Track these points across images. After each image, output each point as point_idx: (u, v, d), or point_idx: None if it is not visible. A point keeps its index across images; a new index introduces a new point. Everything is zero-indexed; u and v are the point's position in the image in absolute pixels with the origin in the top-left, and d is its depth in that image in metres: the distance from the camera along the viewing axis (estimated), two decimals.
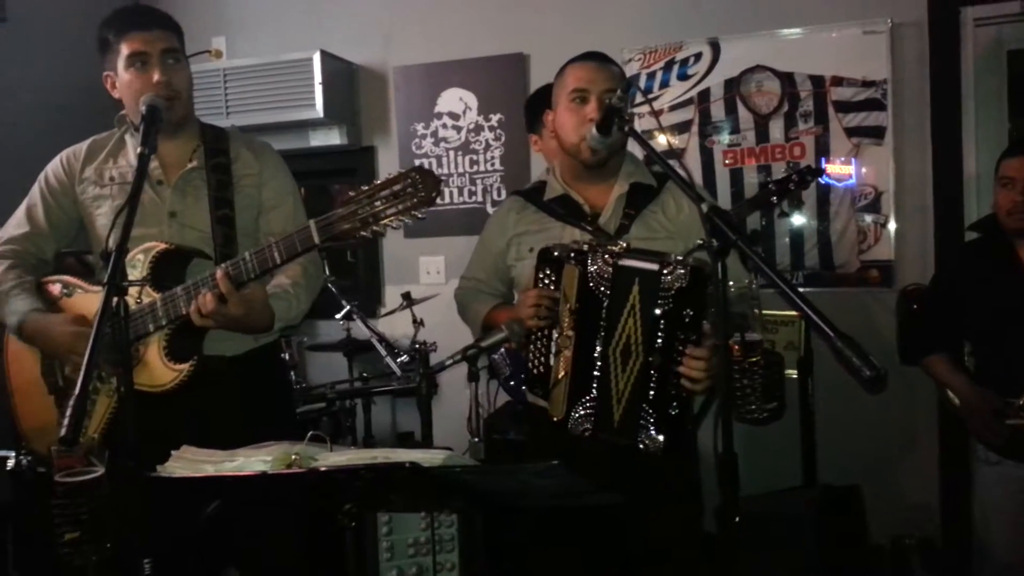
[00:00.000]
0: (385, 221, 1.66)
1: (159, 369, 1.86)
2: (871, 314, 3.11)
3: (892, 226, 3.14)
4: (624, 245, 1.80)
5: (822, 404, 2.94)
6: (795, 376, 2.90)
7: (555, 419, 1.84)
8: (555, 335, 1.83)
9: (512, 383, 2.91)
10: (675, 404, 1.72)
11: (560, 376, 1.82)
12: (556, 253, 1.84)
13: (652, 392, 1.73)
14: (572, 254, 1.80)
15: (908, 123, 3.11)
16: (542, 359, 1.86)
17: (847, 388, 2.95)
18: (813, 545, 2.56)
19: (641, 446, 1.75)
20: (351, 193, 1.67)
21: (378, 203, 1.65)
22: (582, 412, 1.81)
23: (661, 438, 1.73)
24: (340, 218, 1.67)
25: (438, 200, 3.66)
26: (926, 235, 3.11)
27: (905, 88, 3.10)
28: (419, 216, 1.65)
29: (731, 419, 1.47)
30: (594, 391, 1.79)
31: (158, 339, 1.87)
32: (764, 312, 2.57)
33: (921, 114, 3.09)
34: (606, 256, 1.76)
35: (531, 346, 1.87)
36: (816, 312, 1.32)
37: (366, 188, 1.67)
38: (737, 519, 1.50)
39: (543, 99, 2.78)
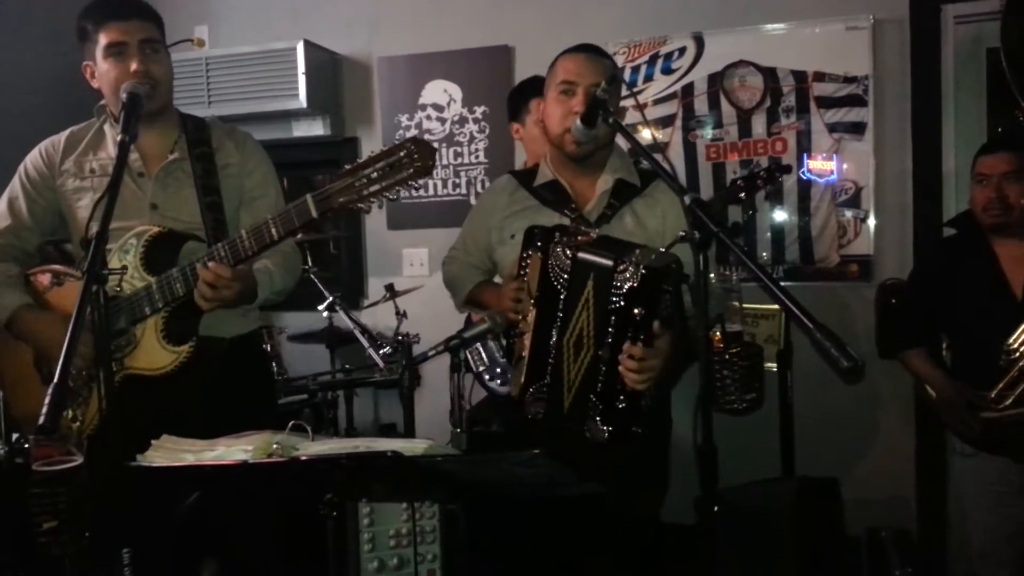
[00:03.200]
0: (381, 192, 1.65)
1: (157, 352, 1.86)
2: (850, 308, 3.14)
3: (872, 221, 3.17)
4: (594, 235, 1.81)
5: (801, 397, 2.97)
6: (775, 369, 2.93)
7: (512, 397, 1.88)
8: (522, 322, 1.87)
9: (487, 378, 2.92)
10: (622, 398, 1.73)
11: (522, 358, 1.86)
12: (538, 232, 1.85)
13: (600, 385, 1.75)
14: (538, 242, 1.82)
15: (889, 119, 3.14)
16: (514, 344, 1.90)
17: (826, 381, 3.00)
18: (790, 536, 2.58)
19: (588, 434, 1.77)
20: (346, 166, 1.67)
21: (374, 174, 1.64)
22: (536, 396, 1.85)
23: (606, 428, 1.75)
24: (337, 191, 1.67)
25: (420, 192, 3.66)
26: (905, 230, 3.15)
27: (886, 84, 3.13)
28: (415, 187, 1.65)
29: (711, 410, 1.48)
30: (548, 377, 1.83)
31: (155, 322, 1.87)
32: (745, 305, 2.61)
33: (902, 110, 3.13)
34: (567, 248, 1.78)
35: (512, 331, 1.91)
36: (795, 304, 1.34)
37: (362, 160, 1.66)
38: (716, 509, 1.52)
39: (527, 89, 2.80)
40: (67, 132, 2.06)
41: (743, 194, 2.88)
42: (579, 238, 1.80)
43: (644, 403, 1.75)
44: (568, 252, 1.77)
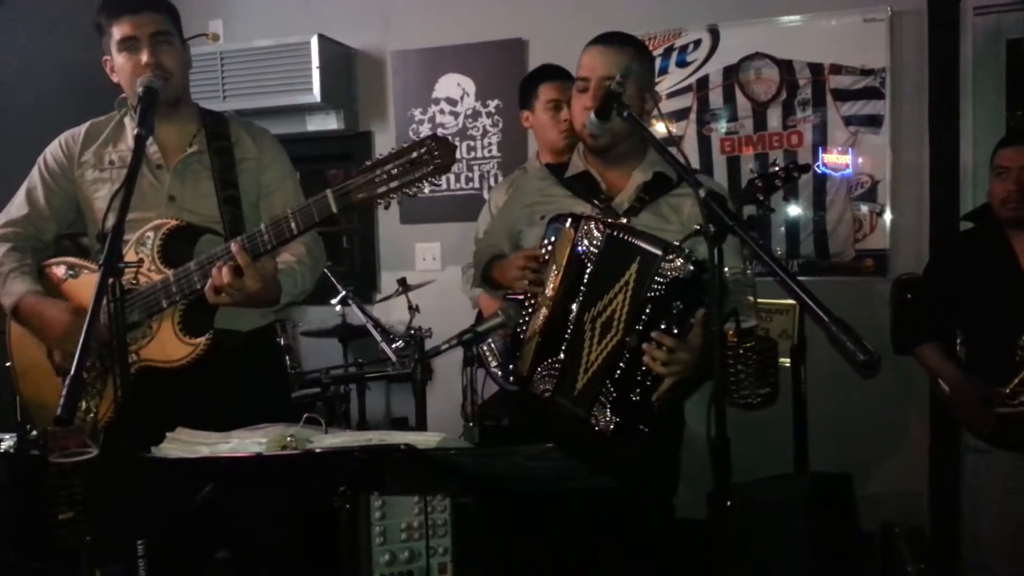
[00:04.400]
0: (401, 189, 1.66)
1: (173, 344, 1.87)
2: (865, 303, 3.12)
3: (888, 216, 3.14)
4: (625, 222, 1.80)
5: (814, 392, 2.95)
6: (788, 364, 2.92)
7: (521, 374, 1.87)
8: (537, 298, 1.86)
9: (500, 373, 2.92)
10: (638, 390, 1.72)
11: (532, 333, 1.84)
12: (562, 219, 1.85)
13: (619, 371, 1.73)
14: (571, 219, 1.82)
15: (906, 112, 3.11)
16: (527, 322, 1.88)
17: (840, 377, 2.98)
18: (803, 532, 2.57)
19: (592, 421, 1.76)
20: (367, 162, 1.68)
21: (395, 171, 1.65)
22: (546, 372, 1.83)
23: (614, 419, 1.73)
24: (357, 186, 1.68)
25: (433, 186, 3.65)
26: (921, 225, 3.12)
27: (903, 77, 3.10)
28: (436, 183, 1.65)
29: (724, 404, 1.48)
30: (562, 354, 1.81)
31: (172, 314, 1.88)
32: (759, 300, 2.59)
33: (919, 103, 3.09)
34: (600, 225, 1.77)
35: (523, 311, 1.90)
36: (811, 298, 1.33)
37: (382, 156, 1.67)
38: (728, 504, 1.51)
39: (536, 75, 2.82)
40: (87, 124, 2.08)
41: (760, 194, 2.85)
42: (611, 220, 1.79)
43: (655, 403, 1.74)
44: (600, 229, 1.77)
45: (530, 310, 1.88)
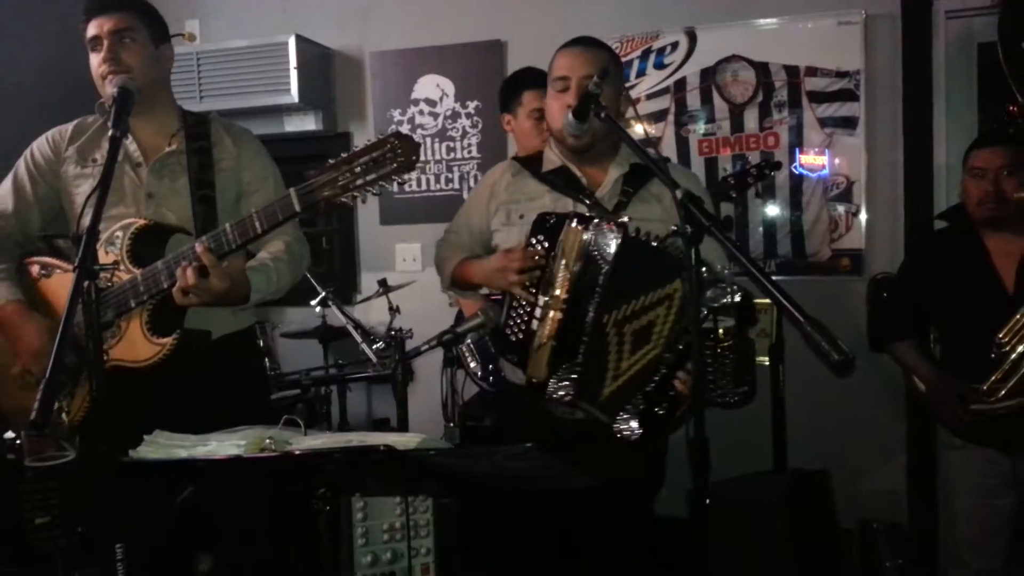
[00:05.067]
0: (365, 187, 1.66)
1: (142, 344, 1.86)
2: (842, 302, 3.15)
3: (863, 215, 3.18)
4: (626, 219, 1.80)
5: (793, 390, 2.98)
6: (767, 363, 2.94)
7: (533, 380, 1.83)
8: (541, 299, 1.83)
9: (479, 374, 2.92)
10: (665, 404, 1.73)
11: (546, 337, 1.81)
12: (552, 221, 1.84)
13: (652, 385, 1.74)
14: (577, 218, 1.81)
15: (880, 114, 3.15)
16: (523, 325, 1.85)
17: (817, 375, 2.97)
18: (782, 529, 2.60)
19: (615, 427, 1.76)
20: (330, 160, 1.68)
21: (358, 168, 1.65)
22: (565, 376, 1.81)
23: (639, 430, 1.74)
24: (320, 185, 1.68)
25: (414, 187, 3.65)
26: (896, 225, 3.16)
27: (878, 79, 3.14)
28: (401, 181, 1.66)
29: (703, 403, 1.49)
30: (580, 356, 1.79)
31: (140, 314, 1.87)
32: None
33: (893, 105, 3.13)
34: (614, 225, 1.76)
35: (511, 312, 1.87)
36: (786, 298, 1.34)
37: (345, 155, 1.68)
38: (708, 502, 1.52)
39: (518, 80, 2.79)
40: (75, 121, 2.09)
41: (734, 192, 2.88)
42: (622, 223, 1.78)
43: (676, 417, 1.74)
44: (613, 229, 1.75)
45: (529, 313, 1.84)
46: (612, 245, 1.76)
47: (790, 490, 2.71)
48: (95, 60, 1.94)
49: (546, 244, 1.84)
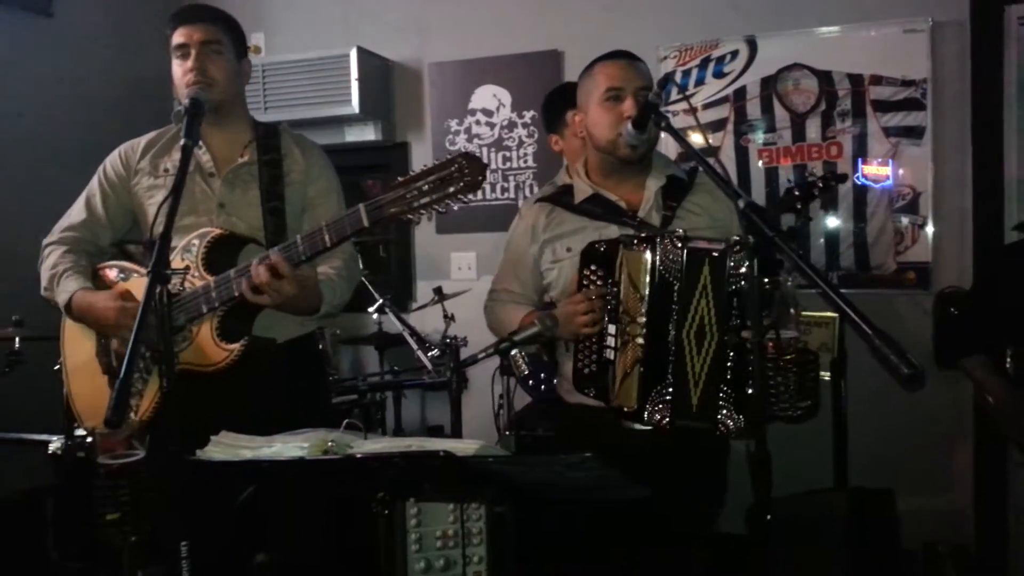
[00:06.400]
0: (431, 205, 1.68)
1: (211, 349, 1.92)
2: (907, 316, 3.07)
3: (930, 228, 3.10)
4: (682, 232, 1.79)
5: (855, 406, 2.91)
6: (828, 378, 2.88)
7: (626, 409, 1.81)
8: (612, 329, 1.81)
9: (531, 382, 2.92)
10: (751, 382, 1.68)
11: (631, 367, 1.80)
12: (603, 249, 1.83)
13: (729, 372, 1.73)
14: (635, 240, 1.80)
15: (948, 123, 3.07)
16: (594, 356, 1.85)
17: (880, 390, 2.93)
18: (844, 549, 2.53)
19: (721, 427, 1.74)
20: (399, 178, 1.70)
21: (425, 187, 1.67)
22: (658, 400, 1.79)
23: (741, 417, 1.72)
24: (389, 202, 1.71)
25: (470, 196, 3.66)
26: (964, 237, 3.07)
27: (945, 88, 3.06)
28: (465, 201, 1.67)
29: (764, 418, 1.46)
30: (670, 377, 1.78)
31: (210, 320, 1.93)
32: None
33: (961, 114, 3.05)
34: (673, 240, 1.77)
35: (579, 345, 1.86)
36: (854, 310, 1.31)
37: (414, 173, 1.70)
38: (768, 518, 1.50)
39: (562, 98, 2.73)
40: (148, 135, 2.16)
41: (799, 203, 2.82)
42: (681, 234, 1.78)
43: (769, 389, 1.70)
44: (677, 243, 1.76)
45: (599, 343, 1.83)
46: (679, 260, 1.75)
47: (852, 509, 2.63)
48: (179, 67, 2.00)
49: (600, 272, 1.83)
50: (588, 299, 1.82)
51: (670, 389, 1.78)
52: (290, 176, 2.10)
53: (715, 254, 1.73)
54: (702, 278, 1.74)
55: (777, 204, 2.95)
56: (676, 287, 1.76)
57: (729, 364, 1.72)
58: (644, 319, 1.78)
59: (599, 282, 1.83)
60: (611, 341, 1.82)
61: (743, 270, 1.68)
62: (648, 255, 1.78)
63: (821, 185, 2.81)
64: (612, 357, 1.82)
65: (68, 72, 3.59)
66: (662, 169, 2.00)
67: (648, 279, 1.78)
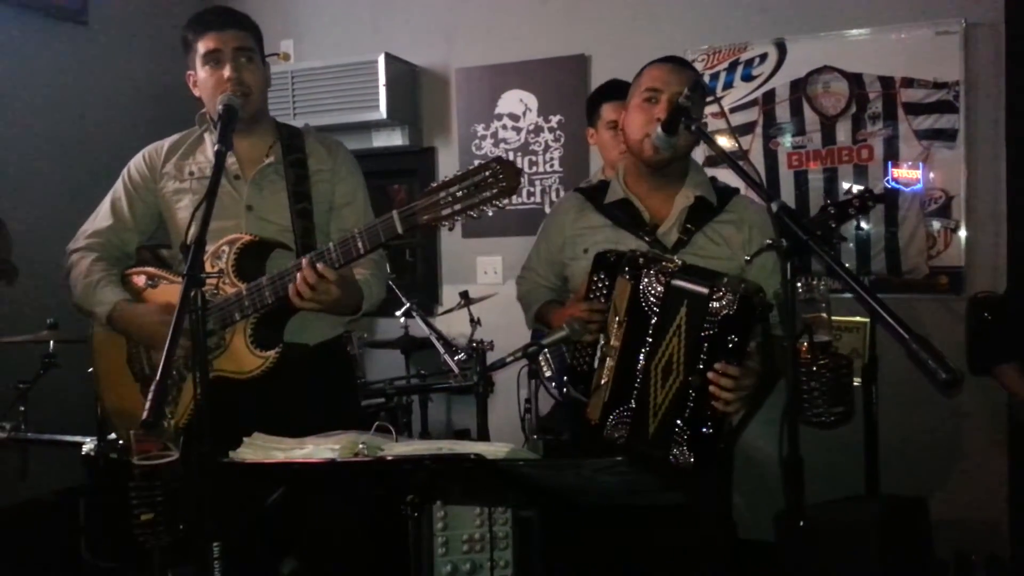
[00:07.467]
0: (465, 211, 1.68)
1: (245, 356, 1.93)
2: (939, 321, 3.03)
3: (963, 232, 3.05)
4: (679, 262, 1.80)
5: (886, 413, 2.87)
6: (859, 384, 2.84)
7: (592, 422, 1.86)
8: (601, 341, 1.85)
9: (554, 383, 2.92)
10: (709, 424, 1.72)
11: (602, 383, 1.84)
12: (612, 260, 1.84)
13: (688, 411, 1.74)
14: (627, 268, 1.81)
15: (981, 126, 3.03)
16: (586, 359, 1.89)
17: (912, 396, 2.89)
18: (875, 557, 2.50)
19: (672, 459, 1.76)
20: (432, 184, 1.70)
21: (459, 193, 1.67)
22: (618, 421, 1.83)
23: (691, 455, 1.74)
24: (422, 208, 1.70)
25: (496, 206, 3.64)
26: (998, 241, 3.02)
27: (979, 90, 3.02)
28: (500, 206, 1.67)
29: (797, 422, 1.45)
30: (632, 402, 1.81)
31: (244, 327, 1.93)
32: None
33: (995, 117, 3.01)
34: (659, 274, 1.77)
35: (577, 344, 1.90)
36: (890, 314, 1.30)
37: (447, 179, 1.69)
38: (800, 524, 1.48)
39: (600, 93, 2.81)
40: (170, 139, 2.16)
41: (833, 222, 2.77)
42: (664, 264, 1.78)
43: (727, 427, 1.73)
44: (661, 279, 1.76)
45: (595, 354, 1.86)
46: (659, 296, 1.76)
47: (884, 516, 2.60)
48: (210, 74, 1.97)
49: (607, 282, 1.85)
50: (590, 309, 1.85)
51: (630, 414, 1.81)
52: (317, 176, 2.10)
53: (696, 295, 1.72)
54: (678, 318, 1.74)
55: (811, 221, 2.90)
56: (652, 321, 1.77)
57: (690, 404, 1.73)
58: (618, 344, 1.81)
59: (604, 290, 1.85)
60: (599, 353, 1.85)
61: (722, 315, 1.68)
62: (632, 284, 1.79)
63: (857, 204, 2.74)
64: (596, 365, 1.86)
65: (103, 79, 3.65)
66: (695, 187, 1.97)
67: (627, 308, 1.80)
